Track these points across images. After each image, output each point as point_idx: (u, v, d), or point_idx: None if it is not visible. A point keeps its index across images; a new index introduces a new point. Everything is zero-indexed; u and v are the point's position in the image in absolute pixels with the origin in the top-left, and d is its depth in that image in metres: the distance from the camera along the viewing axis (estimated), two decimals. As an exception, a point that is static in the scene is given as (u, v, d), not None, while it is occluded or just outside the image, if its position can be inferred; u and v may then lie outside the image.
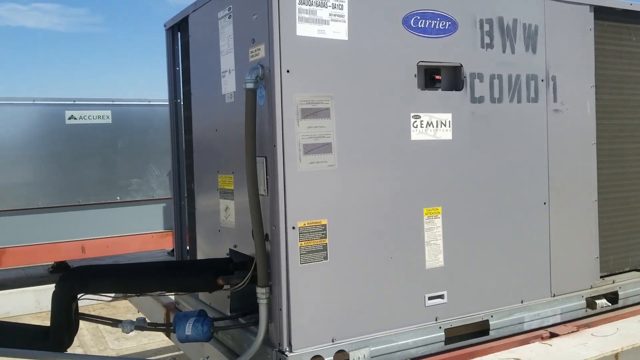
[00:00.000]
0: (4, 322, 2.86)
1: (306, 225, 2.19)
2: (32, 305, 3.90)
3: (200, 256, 3.05)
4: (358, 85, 2.31)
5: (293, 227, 2.16)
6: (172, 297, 3.46)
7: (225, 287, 2.38)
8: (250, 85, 2.19)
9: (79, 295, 2.55)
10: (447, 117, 2.53)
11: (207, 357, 2.32)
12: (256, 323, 2.30)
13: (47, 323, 2.64)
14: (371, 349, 2.28)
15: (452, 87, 2.57)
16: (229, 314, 2.60)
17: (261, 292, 2.20)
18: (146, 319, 2.61)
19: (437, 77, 2.51)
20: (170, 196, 6.96)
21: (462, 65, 2.56)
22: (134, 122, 6.76)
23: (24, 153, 6.27)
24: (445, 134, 2.53)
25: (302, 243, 2.18)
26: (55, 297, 2.52)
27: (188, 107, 3.19)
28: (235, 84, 2.49)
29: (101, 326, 5.49)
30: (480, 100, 2.61)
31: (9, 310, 3.82)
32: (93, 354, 4.30)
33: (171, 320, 3.30)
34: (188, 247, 3.34)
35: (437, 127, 2.50)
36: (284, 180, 2.16)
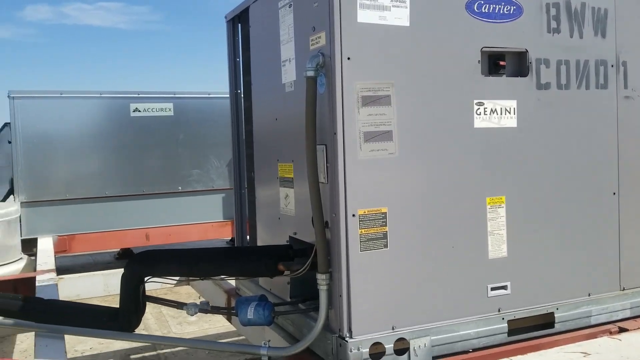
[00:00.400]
0: (77, 303, 3.02)
1: (366, 213, 2.19)
2: (101, 288, 4.08)
3: (260, 243, 3.11)
4: (420, 71, 2.29)
5: (353, 215, 2.17)
6: (233, 283, 3.55)
7: (286, 273, 2.41)
8: (310, 73, 2.20)
9: (146, 278, 2.65)
10: (512, 104, 2.47)
11: (269, 341, 2.36)
12: (316, 309, 2.32)
13: (115, 305, 2.76)
14: (432, 337, 2.26)
15: (517, 73, 2.50)
16: (289, 299, 2.64)
17: (321, 279, 2.21)
18: (209, 303, 2.68)
19: (502, 63, 2.45)
20: (229, 187, 7.14)
21: (527, 51, 2.48)
22: (194, 115, 6.94)
23: (92, 144, 6.55)
24: (510, 121, 2.47)
25: (362, 231, 2.18)
26: (124, 279, 2.63)
27: (248, 98, 3.24)
28: (296, 72, 2.51)
29: (164, 310, 5.69)
30: (547, 86, 2.53)
31: (79, 293, 4.01)
32: (157, 337, 4.45)
33: (233, 305, 3.38)
34: (248, 235, 3.41)
35: (501, 114, 2.45)
36: (344, 168, 2.16)
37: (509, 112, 2.47)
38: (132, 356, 4.54)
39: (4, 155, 6.48)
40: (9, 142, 6.37)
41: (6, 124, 6.46)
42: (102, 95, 6.60)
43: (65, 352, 2.57)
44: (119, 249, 8.36)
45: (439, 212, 2.32)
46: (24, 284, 4.01)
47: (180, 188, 6.90)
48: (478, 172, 2.40)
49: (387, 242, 2.22)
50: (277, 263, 2.39)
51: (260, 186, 3.10)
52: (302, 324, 2.47)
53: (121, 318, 2.65)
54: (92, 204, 6.51)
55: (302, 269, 2.31)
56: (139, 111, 6.69)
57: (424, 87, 2.30)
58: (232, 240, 8.67)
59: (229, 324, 4.53)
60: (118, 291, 4.29)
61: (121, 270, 4.16)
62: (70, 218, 6.43)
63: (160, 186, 6.81)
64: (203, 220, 6.97)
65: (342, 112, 2.16)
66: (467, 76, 2.38)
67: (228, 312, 2.89)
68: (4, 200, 6.54)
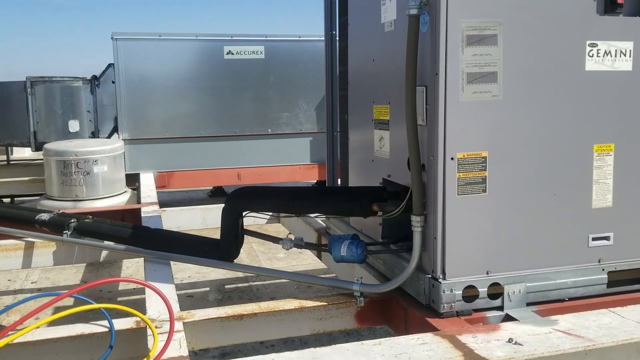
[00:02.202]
0: (181, 233, 3.23)
1: (465, 156, 2.16)
2: (200, 221, 4.32)
3: (352, 185, 3.15)
4: (530, 9, 2.17)
5: (452, 158, 2.15)
6: (323, 223, 3.64)
7: (379, 213, 2.45)
8: (413, 12, 2.15)
9: (244, 213, 2.79)
10: (628, 45, 2.30)
11: (361, 278, 2.44)
12: (408, 250, 2.36)
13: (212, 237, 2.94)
14: (527, 284, 2.24)
15: (636, 12, 2.31)
16: (380, 240, 2.69)
17: (416, 220, 2.23)
18: (303, 239, 2.79)
19: (619, 0, 2.27)
20: (317, 130, 7.22)
21: (650, -13, 2.28)
22: (284, 58, 6.97)
23: (188, 85, 6.77)
24: (625, 64, 2.31)
25: (461, 174, 2.16)
26: (225, 213, 2.78)
27: (344, 38, 3.22)
28: (396, 11, 2.46)
29: (255, 246, 5.98)
30: (670, 26, 2.33)
31: (180, 225, 4.27)
32: (248, 270, 4.71)
33: (323, 243, 3.49)
34: (339, 177, 3.46)
35: (615, 56, 2.29)
36: (445, 110, 2.13)
37: (624, 55, 2.31)
38: (227, 286, 4.84)
39: (109, 95, 6.87)
40: (113, 82, 6.73)
41: (110, 65, 6.80)
42: (198, 38, 6.77)
43: (172, 276, 2.78)
44: (211, 187, 8.78)
45: (542, 159, 2.25)
46: (131, 214, 4.33)
47: (270, 130, 7.05)
48: (586, 118, 2.28)
49: (485, 187, 2.19)
50: (372, 204, 2.42)
51: (354, 128, 3.12)
52: (394, 263, 2.52)
53: (222, 249, 2.82)
54: (188, 143, 6.81)
55: (396, 211, 2.33)
56: (232, 54, 6.81)
57: (533, 27, 2.18)
58: (318, 182, 8.84)
59: (316, 261, 4.69)
60: (215, 225, 4.54)
61: (218, 206, 4.39)
62: (169, 156, 6.77)
63: (251, 128, 6.99)
64: (291, 163, 7.12)
65: (445, 52, 2.10)
66: (581, 15, 2.24)
67: (320, 248, 2.97)
68: (109, 137, 7.00)
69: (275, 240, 2.78)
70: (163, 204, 4.89)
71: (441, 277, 2.18)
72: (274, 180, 7.04)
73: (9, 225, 3.64)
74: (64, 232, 3.38)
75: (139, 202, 6.03)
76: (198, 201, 8.45)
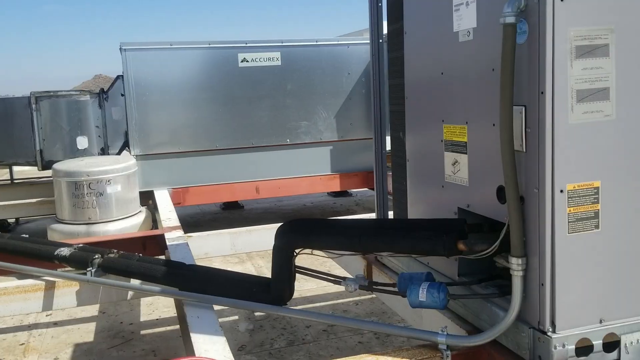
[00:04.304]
0: (221, 270, 2.90)
1: (576, 188, 1.84)
2: (228, 247, 3.99)
3: (413, 213, 2.82)
4: (646, 13, 1.85)
5: (561, 190, 1.82)
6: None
7: (465, 252, 2.12)
8: (510, 20, 1.82)
9: (297, 251, 2.47)
10: None
11: (445, 327, 2.11)
12: (502, 295, 2.05)
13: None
14: (648, 334, 1.92)
15: None
16: (456, 278, 2.36)
17: (516, 263, 1.91)
18: (365, 277, 2.47)
19: None
20: (337, 139, 6.89)
21: None
22: (302, 63, 6.63)
23: (201, 96, 6.43)
24: None
25: (571, 209, 1.84)
26: (277, 250, 2.46)
27: (397, 48, 2.89)
28: (476, 18, 2.13)
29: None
30: None
31: (207, 251, 3.95)
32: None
33: (374, 277, 3.16)
34: (391, 197, 3.14)
35: None
36: (552, 134, 1.81)
37: None
38: (257, 313, 4.51)
39: (118, 109, 6.52)
40: (122, 95, 6.40)
41: (119, 77, 6.46)
42: (211, 46, 6.43)
43: (219, 324, 2.45)
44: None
45: (662, 187, 1.93)
46: (154, 242, 4.01)
47: (288, 140, 6.72)
48: None
49: (598, 223, 1.87)
50: (457, 241, 2.09)
51: (414, 148, 2.78)
52: (480, 308, 2.20)
53: (274, 290, 2.50)
54: (203, 157, 6.48)
55: (488, 250, 2.00)
56: (247, 61, 6.48)
57: (650, 33, 1.87)
58: (333, 192, 8.53)
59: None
60: (245, 250, 4.21)
61: (247, 229, 4.07)
62: (184, 171, 6.44)
63: (269, 138, 6.65)
64: (312, 174, 6.78)
65: (553, 66, 1.78)
66: (698, 17, 1.91)
67: (392, 291, 2.57)
68: (119, 153, 6.65)
69: (336, 280, 2.46)
70: (175, 218, 4.56)
71: (550, 329, 1.86)
72: (294, 193, 6.73)
73: (26, 261, 3.32)
74: (88, 269, 3.07)
75: (154, 221, 5.70)
76: (211, 214, 8.12)
